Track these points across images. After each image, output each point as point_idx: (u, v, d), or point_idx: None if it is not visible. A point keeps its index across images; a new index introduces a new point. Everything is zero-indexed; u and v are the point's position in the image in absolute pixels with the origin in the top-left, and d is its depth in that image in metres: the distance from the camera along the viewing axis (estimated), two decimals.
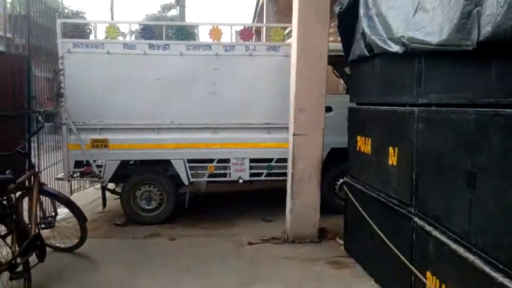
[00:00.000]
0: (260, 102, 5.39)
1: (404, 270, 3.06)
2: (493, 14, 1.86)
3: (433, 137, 2.64)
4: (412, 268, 2.87)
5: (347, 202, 4.35)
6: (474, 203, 2.17)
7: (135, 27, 6.94)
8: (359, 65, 4.02)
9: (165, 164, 5.42)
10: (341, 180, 5.76)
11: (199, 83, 5.29)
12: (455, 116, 2.37)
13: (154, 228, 5.20)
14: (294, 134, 4.60)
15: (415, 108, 2.90)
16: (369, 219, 3.64)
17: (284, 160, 5.35)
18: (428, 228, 2.72)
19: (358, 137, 4.04)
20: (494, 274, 1.97)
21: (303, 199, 4.66)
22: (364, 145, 3.90)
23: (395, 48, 2.99)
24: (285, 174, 5.37)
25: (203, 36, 7.88)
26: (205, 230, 5.19)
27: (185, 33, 5.48)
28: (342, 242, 4.63)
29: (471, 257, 2.18)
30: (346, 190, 4.30)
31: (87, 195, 6.29)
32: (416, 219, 2.92)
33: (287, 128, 5.22)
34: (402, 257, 3.01)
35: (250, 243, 4.65)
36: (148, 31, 5.37)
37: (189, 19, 26.91)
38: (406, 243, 3.05)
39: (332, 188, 5.79)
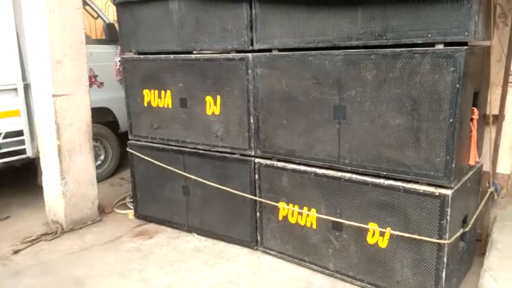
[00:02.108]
0: None
1: (245, 209, 3.23)
2: None
3: (281, 80, 2.82)
4: (266, 201, 3.07)
5: (135, 167, 3.91)
6: (345, 131, 2.59)
7: None
8: (138, 8, 3.50)
9: None
10: None
11: None
12: (314, 59, 2.64)
13: None
14: (54, 95, 3.54)
15: (249, 54, 2.95)
16: (185, 174, 3.49)
17: (17, 133, 4.09)
18: (280, 164, 2.97)
19: (146, 92, 3.64)
20: (378, 180, 2.50)
21: (77, 175, 3.77)
22: (159, 99, 3.58)
23: None
24: (21, 152, 4.16)
25: None
26: None
27: None
28: (124, 211, 4.19)
29: (346, 175, 2.64)
30: (134, 152, 3.84)
31: None
32: (258, 160, 3.10)
33: (15, 89, 4.01)
34: (246, 195, 3.15)
35: (16, 251, 3.38)
36: None
37: None
38: (243, 185, 3.19)
39: None
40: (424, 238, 2.35)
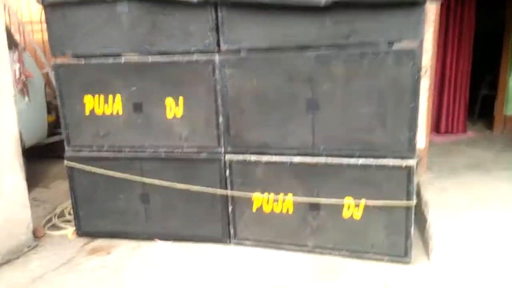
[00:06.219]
0: None
1: (215, 205, 3.32)
2: None
3: (252, 78, 2.99)
4: (239, 193, 3.21)
5: (76, 181, 3.59)
6: (318, 121, 2.92)
7: None
8: (74, 10, 3.23)
9: None
10: None
11: None
12: (286, 58, 2.90)
13: None
14: None
15: (216, 56, 3.04)
16: (145, 179, 3.39)
17: None
18: (253, 157, 3.15)
19: (88, 98, 3.40)
20: (352, 161, 2.91)
21: (9, 198, 3.29)
22: (106, 104, 3.38)
23: None
24: None
25: None
26: None
27: None
28: (60, 232, 3.81)
29: (322, 160, 2.98)
30: (74, 165, 3.53)
31: None
32: (228, 156, 3.21)
33: None
34: (218, 190, 3.25)
35: None
36: None
37: None
38: (213, 182, 3.27)
39: None
40: (396, 203, 2.84)
